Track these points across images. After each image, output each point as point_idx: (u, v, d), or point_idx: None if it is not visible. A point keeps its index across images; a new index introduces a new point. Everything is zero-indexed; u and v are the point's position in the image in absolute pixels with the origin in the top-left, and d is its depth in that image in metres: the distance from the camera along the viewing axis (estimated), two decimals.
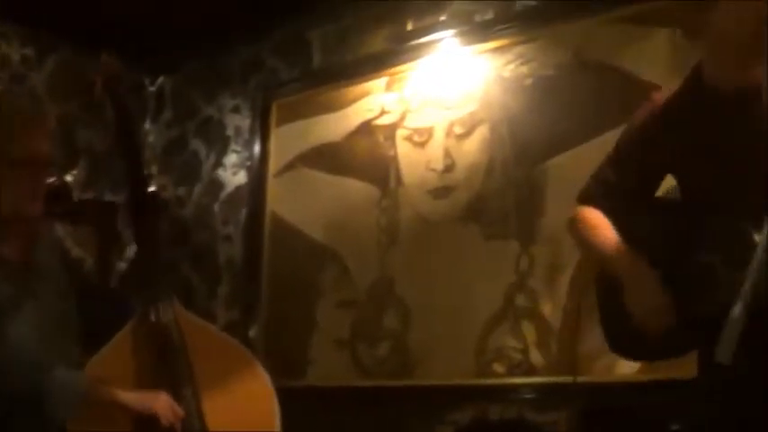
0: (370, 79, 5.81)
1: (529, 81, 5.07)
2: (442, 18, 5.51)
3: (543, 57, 5.05)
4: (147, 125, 7.00)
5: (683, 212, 2.81)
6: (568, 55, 4.95)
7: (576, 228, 3.05)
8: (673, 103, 2.80)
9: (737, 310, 2.01)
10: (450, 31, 5.46)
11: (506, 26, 5.22)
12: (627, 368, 4.32)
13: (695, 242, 2.64)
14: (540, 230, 4.89)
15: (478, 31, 5.36)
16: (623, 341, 2.90)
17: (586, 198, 3.04)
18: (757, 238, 2.40)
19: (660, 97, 2.88)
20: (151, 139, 6.98)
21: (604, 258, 2.88)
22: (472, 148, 5.25)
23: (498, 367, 4.97)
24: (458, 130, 5.32)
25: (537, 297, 4.88)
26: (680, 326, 2.62)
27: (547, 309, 4.83)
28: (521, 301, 4.93)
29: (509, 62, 5.16)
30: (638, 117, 2.94)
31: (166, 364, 3.38)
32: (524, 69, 5.09)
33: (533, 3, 5.15)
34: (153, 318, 3.38)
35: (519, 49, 5.16)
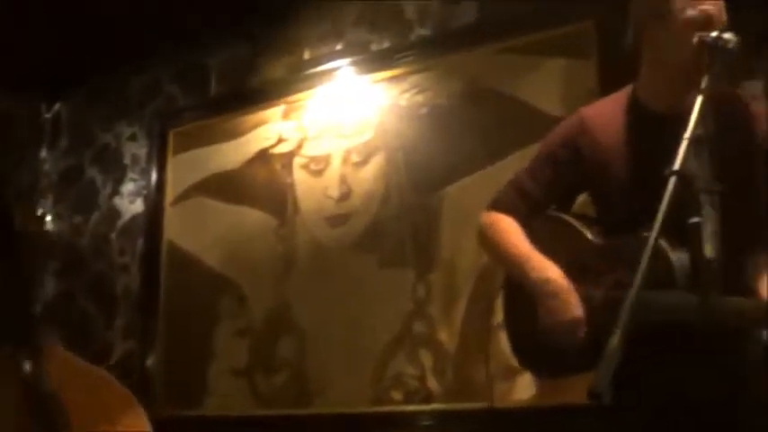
0: (268, 107, 5.77)
1: (424, 110, 5.07)
2: (339, 47, 5.50)
3: (438, 86, 5.06)
4: (44, 153, 6.86)
5: (598, 227, 2.79)
6: (463, 84, 4.96)
7: (487, 235, 2.98)
8: (602, 120, 2.79)
9: (615, 340, 1.97)
10: (347, 60, 5.45)
11: (402, 55, 5.22)
12: (524, 393, 4.31)
13: (608, 260, 2.64)
14: (436, 258, 4.87)
15: (375, 60, 5.36)
16: (532, 355, 2.86)
17: (500, 205, 2.97)
18: (673, 257, 2.41)
19: (588, 111, 2.88)
20: (47, 166, 6.86)
21: (517, 268, 2.80)
22: (368, 176, 5.23)
23: (396, 395, 4.93)
24: (354, 158, 5.31)
25: (434, 324, 4.85)
26: (591, 342, 2.59)
27: (444, 335, 4.80)
28: (418, 328, 4.90)
29: (405, 91, 5.16)
30: (562, 128, 2.93)
31: (40, 416, 3.26)
32: (420, 98, 5.09)
33: (428, 33, 5.16)
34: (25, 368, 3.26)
35: (414, 78, 5.16)
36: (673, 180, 2.18)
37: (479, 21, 4.99)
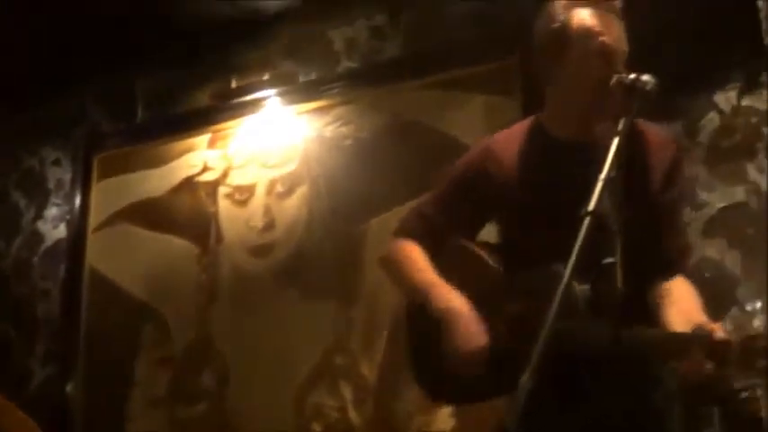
0: (194, 135, 5.72)
1: (349, 142, 5.08)
2: (266, 77, 5.49)
3: (363, 118, 5.07)
4: None
5: (504, 255, 2.77)
6: (388, 118, 4.98)
7: (391, 261, 2.93)
8: (509, 148, 2.78)
9: (526, 377, 1.96)
10: (274, 90, 5.43)
11: (328, 87, 5.23)
12: (445, 425, 4.30)
13: (513, 289, 2.63)
14: (358, 290, 4.85)
15: (301, 91, 5.36)
16: (435, 382, 2.82)
17: (404, 231, 2.93)
18: (578, 290, 2.42)
19: (494, 139, 2.87)
20: None
21: (420, 296, 2.74)
22: (292, 207, 5.21)
23: (316, 426, 4.89)
24: (279, 188, 5.28)
25: (355, 356, 4.84)
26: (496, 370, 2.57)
27: (365, 368, 4.79)
28: (339, 360, 4.87)
29: (330, 123, 5.16)
30: (468, 155, 2.91)
31: None
32: (345, 130, 5.09)
33: (355, 65, 5.17)
34: None
35: (340, 110, 5.17)
36: (587, 220, 2.17)
37: (405, 55, 5.04)
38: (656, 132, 2.76)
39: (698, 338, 2.33)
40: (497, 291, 2.68)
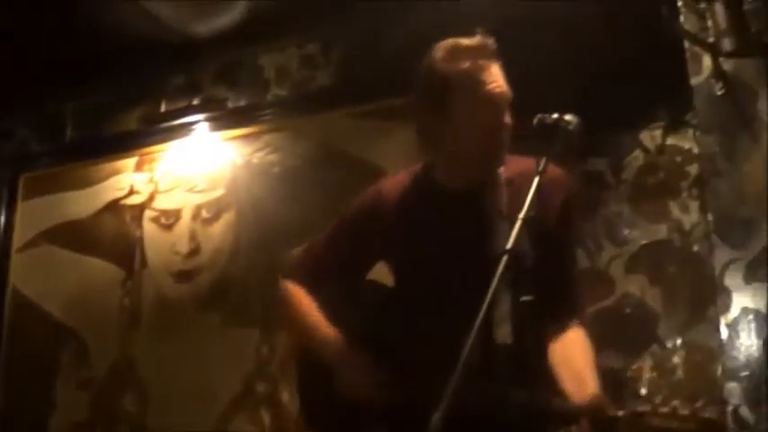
0: (122, 158, 5.66)
1: (277, 169, 5.05)
2: (196, 102, 5.44)
3: (292, 146, 5.05)
4: None
5: (395, 300, 2.74)
6: (316, 146, 4.97)
7: (284, 305, 2.89)
8: (398, 194, 2.76)
9: (436, 417, 1.93)
10: (203, 115, 5.39)
11: (258, 114, 5.20)
12: None
13: (411, 330, 2.60)
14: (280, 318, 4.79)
15: (230, 117, 5.33)
16: (326, 425, 2.79)
17: (294, 274, 2.90)
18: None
19: (386, 184, 2.84)
20: None
21: (308, 340, 2.75)
22: (218, 233, 5.17)
23: None
24: (205, 214, 5.24)
25: (276, 384, 4.79)
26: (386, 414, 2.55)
27: (285, 395, 4.74)
28: (260, 387, 4.82)
29: (258, 150, 5.13)
30: (360, 198, 2.89)
31: None
32: (273, 158, 5.07)
33: (285, 93, 5.14)
34: None
35: (269, 137, 5.15)
36: (504, 259, 2.15)
37: (335, 85, 5.04)
38: (551, 170, 2.61)
39: (590, 411, 2.33)
40: (388, 336, 2.66)
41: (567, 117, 2.45)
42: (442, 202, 2.68)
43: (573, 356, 2.55)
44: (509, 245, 2.17)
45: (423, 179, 2.77)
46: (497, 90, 2.59)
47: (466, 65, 2.59)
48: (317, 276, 2.83)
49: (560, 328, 2.60)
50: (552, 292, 2.56)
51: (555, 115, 2.44)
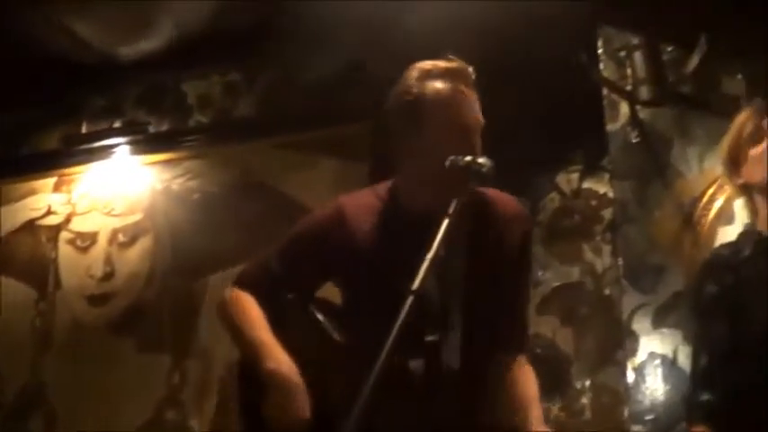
0: (40, 178, 5.54)
1: (196, 196, 5.01)
2: (117, 124, 5.38)
3: (212, 174, 5.01)
4: None
5: (342, 319, 2.67)
6: (236, 175, 4.94)
7: (227, 311, 2.74)
8: (360, 211, 2.71)
9: None
10: (124, 139, 5.32)
11: (179, 140, 5.17)
12: None
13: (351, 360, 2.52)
14: (193, 344, 4.76)
15: (152, 142, 5.27)
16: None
17: (245, 282, 2.76)
18: (411, 366, 2.36)
19: (347, 201, 2.75)
20: None
21: (251, 353, 2.58)
22: (134, 258, 5.09)
23: None
24: (121, 238, 5.16)
25: (186, 411, 4.73)
26: None
27: (195, 423, 4.69)
28: (170, 415, 4.76)
29: (178, 176, 5.08)
30: (319, 212, 2.79)
31: None
32: (193, 184, 5.03)
33: (207, 120, 5.12)
34: None
35: (189, 163, 5.10)
36: (411, 298, 2.13)
37: (259, 114, 5.02)
38: (509, 204, 2.69)
39: None
40: (332, 358, 2.61)
41: (480, 159, 2.44)
42: (403, 224, 2.61)
43: (520, 388, 2.54)
44: (415, 285, 2.15)
45: (386, 199, 2.70)
46: (470, 118, 2.58)
47: (442, 86, 2.57)
48: (268, 287, 2.72)
49: (509, 359, 2.58)
50: (503, 325, 2.58)
51: (468, 157, 2.43)
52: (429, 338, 2.29)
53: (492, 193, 2.66)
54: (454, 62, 2.62)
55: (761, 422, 2.63)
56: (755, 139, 2.85)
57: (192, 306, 4.81)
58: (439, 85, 2.58)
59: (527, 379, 2.58)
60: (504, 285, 2.61)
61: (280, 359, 2.52)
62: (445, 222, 2.27)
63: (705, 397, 2.72)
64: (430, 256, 2.19)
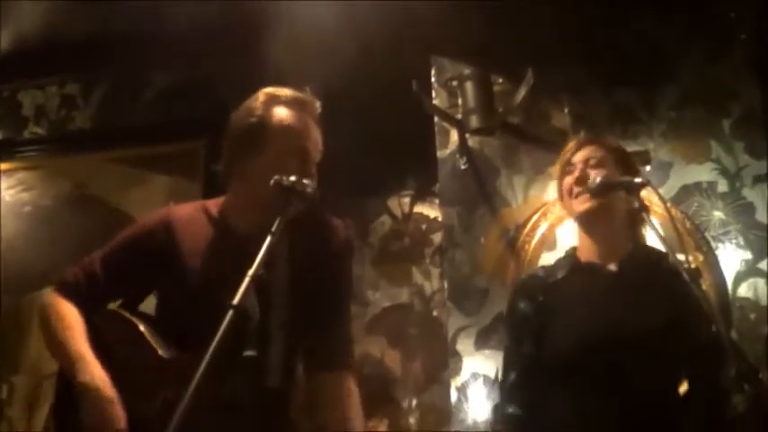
0: None
1: (28, 208, 4.91)
2: None
3: (45, 186, 4.93)
4: None
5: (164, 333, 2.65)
6: (70, 188, 4.86)
7: (44, 317, 2.68)
8: (187, 225, 2.71)
9: None
10: None
11: (13, 151, 5.06)
12: None
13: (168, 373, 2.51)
14: (21, 359, 4.67)
15: None
16: None
17: (66, 288, 2.70)
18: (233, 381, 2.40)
19: (177, 212, 2.76)
20: None
21: (66, 365, 2.54)
22: None
23: None
24: None
25: (14, 426, 4.63)
26: None
27: None
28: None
29: (11, 187, 4.97)
30: (147, 220, 2.80)
31: None
32: (25, 196, 4.92)
33: (43, 132, 5.05)
34: None
35: (23, 175, 4.99)
36: (230, 312, 2.16)
37: (94, 127, 4.95)
38: (332, 226, 2.76)
39: None
40: (150, 372, 2.55)
41: (305, 181, 2.51)
42: (229, 241, 2.64)
43: (343, 405, 2.59)
44: (236, 300, 2.18)
45: (215, 216, 2.72)
46: (310, 148, 2.64)
47: (287, 114, 2.63)
48: (89, 294, 2.69)
49: (331, 376, 2.62)
50: (325, 343, 2.63)
51: (293, 178, 2.47)
52: (248, 353, 2.32)
53: (319, 215, 2.71)
54: (302, 93, 2.70)
55: None
56: (567, 171, 3.00)
57: (20, 320, 4.73)
58: (284, 112, 2.65)
59: (349, 395, 2.63)
60: (324, 303, 2.66)
61: (95, 372, 2.49)
62: (267, 240, 2.32)
63: (511, 410, 2.84)
64: (251, 272, 2.24)
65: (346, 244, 2.79)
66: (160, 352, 2.59)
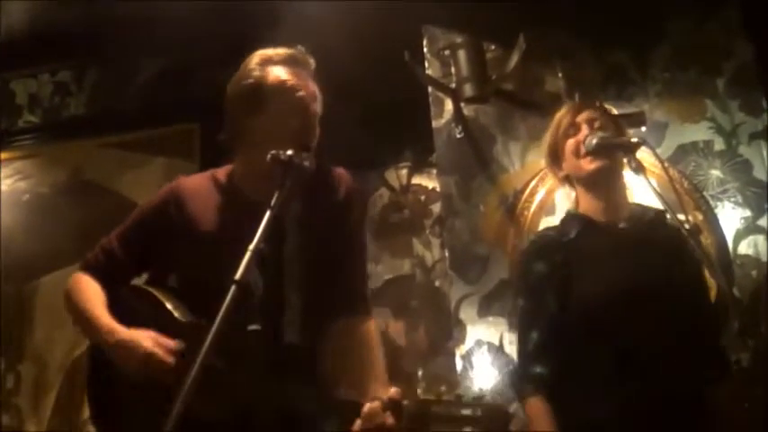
0: None
1: (26, 197, 4.90)
2: None
3: (42, 174, 4.92)
4: None
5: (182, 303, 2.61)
6: (67, 175, 4.85)
7: (69, 294, 2.72)
8: (198, 194, 2.70)
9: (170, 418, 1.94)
10: None
11: (9, 140, 5.04)
12: None
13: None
14: (26, 347, 4.67)
15: None
16: (112, 421, 2.71)
17: (87, 265, 2.76)
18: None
19: (186, 183, 2.76)
20: None
21: (90, 329, 2.59)
22: None
23: None
24: None
25: (21, 416, 4.63)
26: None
27: (32, 427, 4.58)
28: (5, 420, 4.63)
29: (8, 176, 4.95)
30: (158, 195, 2.79)
31: None
32: (23, 185, 4.91)
33: (37, 120, 5.04)
34: None
35: (19, 164, 4.98)
36: (233, 288, 2.16)
37: (88, 113, 4.94)
38: (343, 178, 2.76)
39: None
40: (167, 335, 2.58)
41: (304, 154, 2.50)
42: (240, 209, 2.62)
43: (363, 350, 2.59)
44: (238, 276, 2.19)
45: (225, 186, 2.72)
46: (310, 100, 2.63)
47: (283, 72, 2.63)
48: (109, 272, 2.73)
49: (350, 322, 2.62)
50: (343, 288, 2.63)
51: (289, 152, 2.45)
52: (252, 327, 2.33)
53: (323, 168, 2.68)
54: (296, 49, 2.69)
55: (589, 391, 2.78)
56: (570, 133, 3.01)
57: (24, 309, 4.73)
58: (279, 69, 2.65)
59: (370, 339, 2.63)
60: (338, 254, 2.65)
61: (115, 328, 2.53)
62: (267, 214, 2.31)
63: (537, 370, 2.82)
64: (251, 246, 2.24)
65: (353, 192, 2.78)
66: (176, 314, 2.58)
